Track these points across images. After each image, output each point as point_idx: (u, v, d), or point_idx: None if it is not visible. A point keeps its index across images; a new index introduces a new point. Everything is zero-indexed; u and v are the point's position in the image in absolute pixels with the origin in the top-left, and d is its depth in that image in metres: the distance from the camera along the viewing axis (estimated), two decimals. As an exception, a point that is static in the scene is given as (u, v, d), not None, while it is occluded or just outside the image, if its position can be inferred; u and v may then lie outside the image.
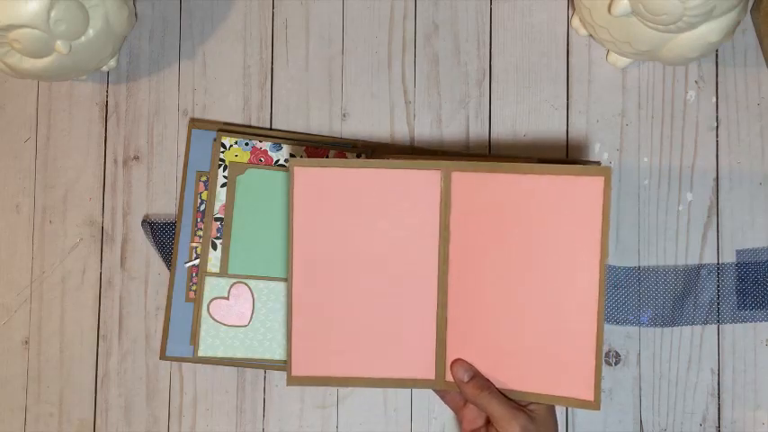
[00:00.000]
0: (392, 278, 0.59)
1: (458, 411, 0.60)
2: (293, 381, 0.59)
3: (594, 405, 0.56)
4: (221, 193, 0.66)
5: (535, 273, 0.57)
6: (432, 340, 0.59)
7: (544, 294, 0.56)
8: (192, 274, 0.66)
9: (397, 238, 0.59)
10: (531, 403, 0.57)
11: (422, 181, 0.58)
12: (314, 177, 0.58)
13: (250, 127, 0.68)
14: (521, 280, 0.57)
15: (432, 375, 0.59)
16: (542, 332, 0.56)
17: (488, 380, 0.57)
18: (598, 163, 0.65)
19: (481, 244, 0.57)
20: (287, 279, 0.59)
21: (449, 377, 0.59)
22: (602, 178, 0.55)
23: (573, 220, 0.56)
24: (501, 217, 0.57)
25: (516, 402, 0.57)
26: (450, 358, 0.59)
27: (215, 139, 0.66)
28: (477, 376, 0.57)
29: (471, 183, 0.57)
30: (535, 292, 0.56)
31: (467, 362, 0.58)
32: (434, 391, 0.61)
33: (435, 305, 0.59)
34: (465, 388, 0.57)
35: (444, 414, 0.66)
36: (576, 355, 0.56)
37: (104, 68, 0.68)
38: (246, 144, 0.66)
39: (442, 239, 0.58)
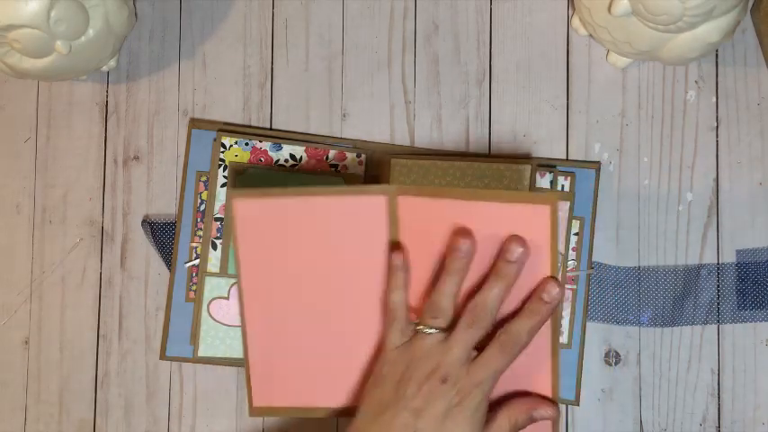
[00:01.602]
0: (344, 306, 0.56)
1: None
2: (255, 411, 0.58)
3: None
4: (221, 193, 0.66)
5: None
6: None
7: (497, 323, 0.52)
8: (192, 274, 0.66)
9: (347, 266, 0.56)
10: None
11: (367, 207, 0.55)
12: (256, 208, 0.56)
13: (250, 127, 0.68)
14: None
15: None
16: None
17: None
18: (597, 164, 0.65)
19: (431, 270, 0.54)
20: (239, 310, 0.58)
21: None
22: (548, 207, 0.50)
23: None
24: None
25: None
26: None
27: (215, 139, 0.66)
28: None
29: (417, 208, 0.54)
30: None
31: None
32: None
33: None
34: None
35: (444, 414, 0.66)
36: (534, 382, 0.53)
37: (104, 68, 0.68)
38: (246, 144, 0.66)
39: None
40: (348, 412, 0.57)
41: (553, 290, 0.51)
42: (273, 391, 0.58)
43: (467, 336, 0.51)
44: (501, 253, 0.51)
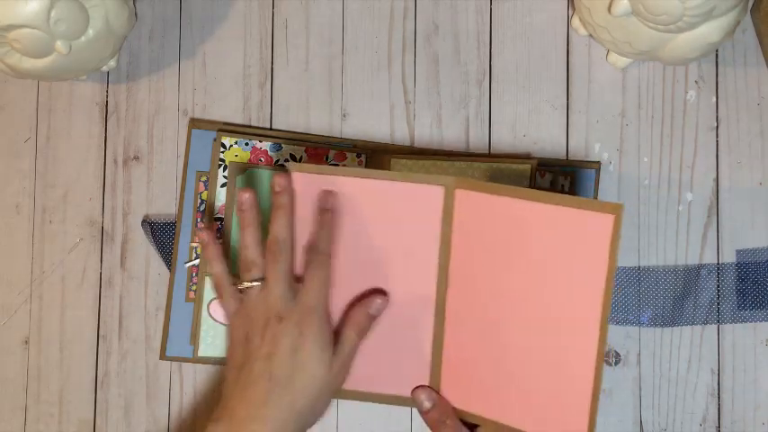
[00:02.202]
0: (390, 294, 0.57)
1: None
2: None
3: None
4: (221, 193, 0.66)
5: (535, 306, 0.53)
6: (427, 361, 0.57)
7: (543, 330, 0.53)
8: (192, 274, 0.66)
9: (396, 253, 0.56)
10: None
11: (423, 196, 0.55)
12: (313, 183, 0.56)
13: (250, 127, 0.68)
14: (519, 311, 0.54)
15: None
16: (537, 369, 0.53)
17: (450, 410, 0.56)
18: (597, 164, 0.65)
19: (481, 269, 0.54)
20: None
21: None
22: (612, 217, 0.49)
23: (577, 257, 0.51)
24: (503, 243, 0.54)
25: None
26: (444, 381, 0.57)
27: (215, 139, 0.66)
28: (438, 405, 0.56)
29: (475, 203, 0.54)
30: (534, 326, 0.53)
31: (430, 388, 0.57)
32: (420, 413, 0.58)
33: (432, 325, 0.56)
34: (425, 416, 0.56)
35: (444, 414, 0.66)
36: (571, 397, 0.52)
37: (104, 68, 0.68)
38: (246, 144, 0.66)
39: (441, 259, 0.56)
40: (379, 399, 0.58)
41: (328, 197, 0.55)
42: None
43: (277, 272, 0.54)
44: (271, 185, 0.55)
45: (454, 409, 0.56)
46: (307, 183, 0.56)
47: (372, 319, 0.56)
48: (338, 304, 0.57)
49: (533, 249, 0.53)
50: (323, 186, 0.56)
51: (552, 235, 0.52)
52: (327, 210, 0.55)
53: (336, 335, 0.55)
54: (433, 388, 0.57)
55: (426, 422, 0.56)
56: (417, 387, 0.57)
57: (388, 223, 0.56)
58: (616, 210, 0.49)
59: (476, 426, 0.57)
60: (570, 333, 0.52)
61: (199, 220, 0.66)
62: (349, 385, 0.57)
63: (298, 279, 0.55)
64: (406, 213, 0.56)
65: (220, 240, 0.65)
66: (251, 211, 0.56)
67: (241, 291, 0.55)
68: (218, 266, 0.57)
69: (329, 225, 0.55)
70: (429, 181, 0.55)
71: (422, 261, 0.56)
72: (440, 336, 0.56)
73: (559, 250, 0.52)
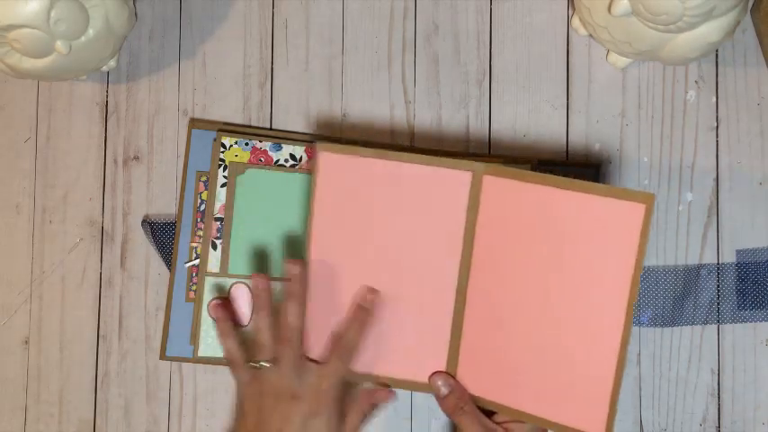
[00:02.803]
0: (410, 278, 0.57)
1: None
2: None
3: None
4: (221, 193, 0.66)
5: (559, 294, 0.53)
6: (445, 347, 0.57)
7: (565, 319, 0.53)
8: (192, 274, 0.66)
9: (419, 237, 0.57)
10: (509, 422, 0.56)
11: (451, 180, 0.56)
12: (340, 164, 0.56)
13: (250, 127, 0.68)
14: (543, 299, 0.54)
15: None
16: (558, 358, 0.54)
17: (467, 396, 0.56)
18: (597, 167, 0.65)
19: (506, 255, 0.55)
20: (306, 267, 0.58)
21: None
22: (644, 207, 0.50)
23: (606, 246, 0.51)
24: (529, 230, 0.54)
25: (493, 422, 0.56)
26: (462, 368, 0.57)
27: (215, 139, 0.66)
28: (455, 391, 0.56)
29: (502, 189, 0.54)
30: (556, 315, 0.53)
31: (447, 374, 0.57)
32: (437, 399, 0.58)
33: (452, 311, 0.57)
34: (442, 402, 0.57)
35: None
36: (591, 387, 0.53)
37: (104, 68, 0.68)
38: (246, 144, 0.66)
39: (465, 244, 0.56)
40: (395, 383, 0.58)
41: (368, 296, 0.57)
42: (322, 350, 0.58)
43: (289, 356, 0.56)
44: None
45: (471, 395, 0.57)
46: (333, 162, 0.56)
47: (374, 408, 0.58)
48: (357, 286, 0.57)
49: (560, 237, 0.53)
50: (350, 167, 0.56)
51: (581, 223, 0.52)
52: (366, 309, 0.57)
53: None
54: (450, 374, 0.57)
55: (443, 408, 0.57)
56: (435, 373, 0.57)
57: (413, 207, 0.56)
58: (648, 199, 0.50)
59: (492, 413, 0.57)
60: (594, 322, 0.52)
61: (199, 219, 0.66)
62: (364, 368, 0.58)
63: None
64: (432, 198, 0.56)
65: (220, 241, 0.65)
66: (264, 295, 0.58)
67: (254, 368, 0.57)
68: (231, 343, 0.59)
69: (363, 323, 0.57)
70: (457, 166, 0.56)
71: (445, 246, 0.56)
72: (459, 322, 0.57)
73: (587, 238, 0.52)
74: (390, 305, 0.58)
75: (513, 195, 0.54)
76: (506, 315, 0.55)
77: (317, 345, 0.58)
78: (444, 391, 0.57)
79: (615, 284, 0.51)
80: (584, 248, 0.52)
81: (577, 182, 0.52)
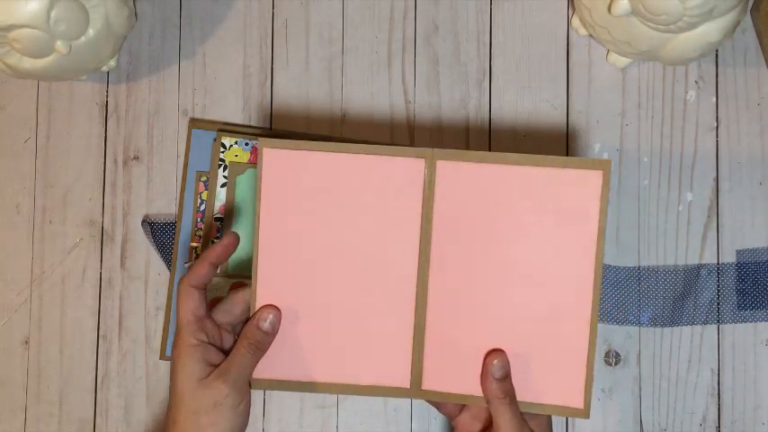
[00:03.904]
0: (367, 275, 0.55)
1: (452, 418, 0.57)
2: (254, 384, 0.55)
3: (584, 413, 0.53)
4: (221, 193, 0.66)
5: (523, 273, 0.53)
6: (408, 345, 0.54)
7: (533, 297, 0.53)
8: (192, 274, 0.66)
9: (375, 231, 0.54)
10: (536, 416, 0.54)
11: (404, 169, 0.53)
12: (286, 160, 0.54)
13: (250, 127, 0.68)
14: (508, 281, 0.53)
15: (407, 384, 0.55)
16: (529, 337, 0.53)
17: (513, 387, 0.53)
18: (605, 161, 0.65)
19: (466, 240, 0.53)
20: (251, 271, 0.55)
21: (426, 385, 0.55)
22: (601, 172, 0.51)
23: (567, 217, 0.52)
24: (488, 211, 0.53)
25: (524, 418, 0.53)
26: (427, 365, 0.54)
27: (215, 139, 0.66)
28: (508, 378, 0.53)
29: (457, 173, 0.53)
30: (523, 295, 0.53)
31: (506, 358, 0.53)
32: (483, 381, 0.55)
33: (414, 306, 0.54)
34: (491, 384, 0.52)
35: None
36: (566, 360, 0.52)
37: (104, 68, 0.68)
38: (246, 144, 0.66)
39: (423, 234, 0.54)
40: (355, 390, 0.55)
41: (269, 316, 0.54)
42: (277, 363, 0.55)
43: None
44: None
45: (439, 392, 0.54)
46: (279, 159, 0.54)
47: (267, 334, 0.55)
48: (308, 291, 0.55)
49: (522, 215, 0.52)
50: (297, 163, 0.54)
51: (540, 197, 0.52)
52: (263, 332, 0.55)
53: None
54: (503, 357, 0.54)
55: (486, 391, 0.53)
56: (492, 352, 0.53)
57: (366, 201, 0.54)
58: (605, 165, 0.51)
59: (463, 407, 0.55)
60: (563, 295, 0.52)
61: (199, 219, 0.66)
62: (319, 376, 0.55)
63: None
64: (384, 189, 0.54)
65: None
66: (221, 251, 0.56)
67: None
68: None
69: (256, 346, 0.54)
70: (408, 154, 0.54)
71: (403, 237, 0.54)
72: (421, 316, 0.54)
73: (548, 211, 0.52)
74: (348, 307, 0.55)
75: (468, 178, 0.53)
76: (472, 302, 0.54)
77: (267, 361, 0.55)
78: (499, 374, 0.53)
79: (581, 255, 0.52)
80: (545, 223, 0.52)
81: (532, 156, 0.52)
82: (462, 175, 0.53)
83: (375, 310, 0.55)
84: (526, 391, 0.53)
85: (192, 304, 0.54)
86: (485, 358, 0.54)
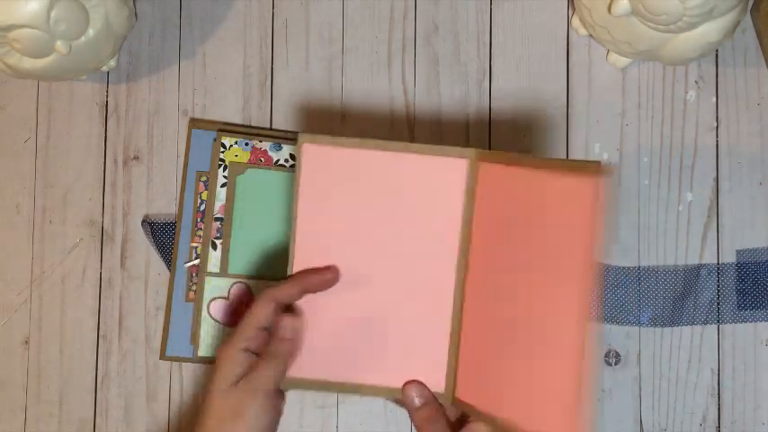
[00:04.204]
0: (404, 276, 0.53)
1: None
2: (288, 383, 0.54)
3: (445, 397, 0.50)
4: (221, 193, 0.66)
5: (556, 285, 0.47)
6: (444, 351, 0.53)
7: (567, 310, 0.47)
8: (192, 274, 0.66)
9: (413, 233, 0.52)
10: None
11: (444, 170, 0.51)
12: (325, 156, 0.52)
13: (250, 127, 0.68)
14: (541, 292, 0.48)
15: (441, 389, 0.53)
16: (527, 359, 0.48)
17: (441, 409, 0.52)
18: (598, 163, 0.65)
19: (505, 247, 0.50)
20: (288, 268, 0.54)
21: (460, 394, 0.52)
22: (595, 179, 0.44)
23: (592, 228, 0.46)
24: (527, 218, 0.49)
25: None
26: (461, 373, 0.52)
27: (215, 139, 0.66)
28: (429, 403, 0.52)
29: (500, 176, 0.50)
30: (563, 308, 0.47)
31: (422, 384, 0.53)
32: (409, 411, 0.53)
33: (450, 312, 0.52)
34: (415, 414, 0.52)
35: (444, 414, 0.66)
36: (554, 389, 0.47)
37: (104, 68, 0.68)
38: (246, 144, 0.66)
39: (462, 238, 0.52)
40: (390, 393, 0.53)
41: (288, 324, 0.52)
42: (311, 362, 0.54)
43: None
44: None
45: (470, 405, 0.51)
46: (318, 155, 0.52)
47: (285, 341, 0.53)
48: (344, 291, 0.53)
49: (558, 224, 0.47)
50: (336, 159, 0.52)
51: (577, 206, 0.46)
52: (285, 340, 0.52)
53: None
54: (425, 385, 0.53)
55: (414, 420, 0.52)
56: (408, 382, 0.53)
57: (405, 201, 0.52)
58: (603, 169, 0.45)
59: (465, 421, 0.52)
60: (565, 321, 0.47)
61: (199, 219, 0.66)
62: (351, 377, 0.54)
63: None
64: (426, 189, 0.52)
65: (220, 241, 0.65)
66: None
67: None
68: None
69: (281, 356, 0.52)
70: (451, 153, 0.51)
71: (442, 241, 0.52)
72: (457, 325, 0.52)
73: (581, 221, 0.46)
74: (382, 309, 0.53)
75: (510, 182, 0.49)
76: (506, 314, 0.50)
77: (301, 360, 0.53)
78: (418, 402, 0.52)
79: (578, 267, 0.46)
80: (578, 232, 0.46)
81: (564, 161, 0.49)
82: (504, 179, 0.50)
83: (410, 315, 0.53)
84: (520, 415, 0.49)
85: (263, 314, 0.52)
86: (403, 388, 0.52)
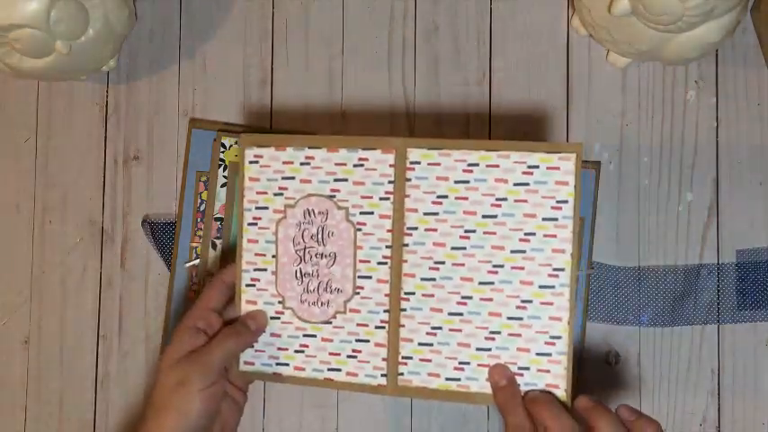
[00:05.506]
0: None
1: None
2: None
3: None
4: (221, 193, 0.66)
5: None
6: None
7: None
8: (192, 275, 0.66)
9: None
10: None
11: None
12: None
13: (250, 127, 0.68)
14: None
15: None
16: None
17: (519, 389, 0.54)
18: (597, 164, 0.65)
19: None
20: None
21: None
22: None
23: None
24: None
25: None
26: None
27: (215, 139, 0.66)
28: (512, 383, 0.54)
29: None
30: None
31: (505, 366, 0.54)
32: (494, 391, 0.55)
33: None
34: (499, 392, 0.53)
35: (444, 414, 0.66)
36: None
37: (104, 68, 0.68)
38: (246, 144, 0.66)
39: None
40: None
41: (258, 317, 0.57)
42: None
43: None
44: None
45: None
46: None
47: (250, 329, 0.57)
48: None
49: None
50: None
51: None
52: (246, 326, 0.57)
53: None
54: (507, 367, 0.55)
55: (497, 398, 0.53)
56: (494, 366, 0.54)
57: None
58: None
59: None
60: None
61: (199, 219, 0.66)
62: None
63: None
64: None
65: (220, 241, 0.65)
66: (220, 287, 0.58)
67: None
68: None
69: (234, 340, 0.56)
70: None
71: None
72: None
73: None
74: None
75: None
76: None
77: (252, 352, 0.58)
78: (504, 381, 0.54)
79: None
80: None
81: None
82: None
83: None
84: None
85: (214, 296, 0.57)
86: (489, 371, 0.54)
